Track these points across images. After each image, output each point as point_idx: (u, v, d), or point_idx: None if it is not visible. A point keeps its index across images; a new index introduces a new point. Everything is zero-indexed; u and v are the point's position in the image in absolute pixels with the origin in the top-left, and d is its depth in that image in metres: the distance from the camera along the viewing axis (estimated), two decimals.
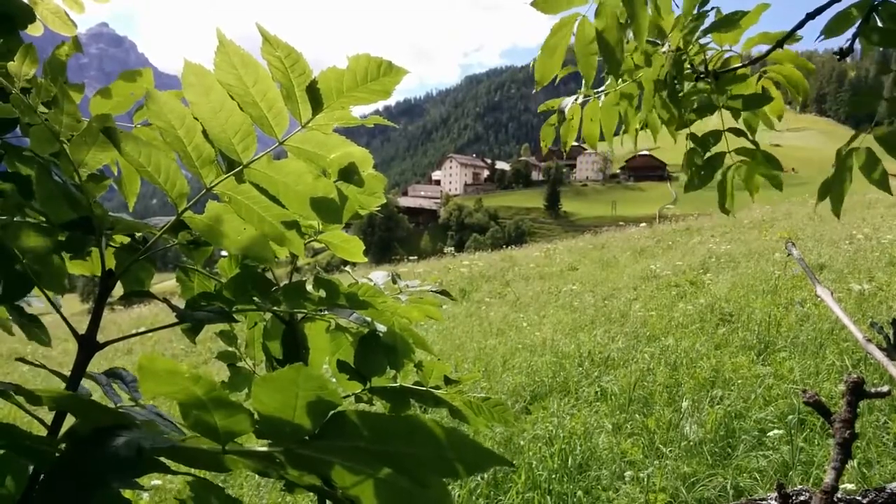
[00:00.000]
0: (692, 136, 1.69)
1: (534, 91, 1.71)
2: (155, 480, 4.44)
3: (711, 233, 16.20)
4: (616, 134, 1.84)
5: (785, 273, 8.66)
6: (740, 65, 1.63)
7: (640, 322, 7.77)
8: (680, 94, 1.62)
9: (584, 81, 1.65)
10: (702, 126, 1.69)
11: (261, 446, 0.55)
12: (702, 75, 1.64)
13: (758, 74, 1.69)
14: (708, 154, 1.66)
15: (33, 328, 0.97)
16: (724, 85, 1.62)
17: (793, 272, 8.55)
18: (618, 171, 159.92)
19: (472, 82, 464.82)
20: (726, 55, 1.66)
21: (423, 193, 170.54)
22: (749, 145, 1.63)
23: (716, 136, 1.65)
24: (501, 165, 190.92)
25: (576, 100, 1.78)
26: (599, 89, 1.76)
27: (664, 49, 1.59)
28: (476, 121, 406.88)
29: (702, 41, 1.61)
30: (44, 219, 0.88)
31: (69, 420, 0.62)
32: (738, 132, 1.65)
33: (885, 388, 1.00)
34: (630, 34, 1.43)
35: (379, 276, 1.20)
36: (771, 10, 1.63)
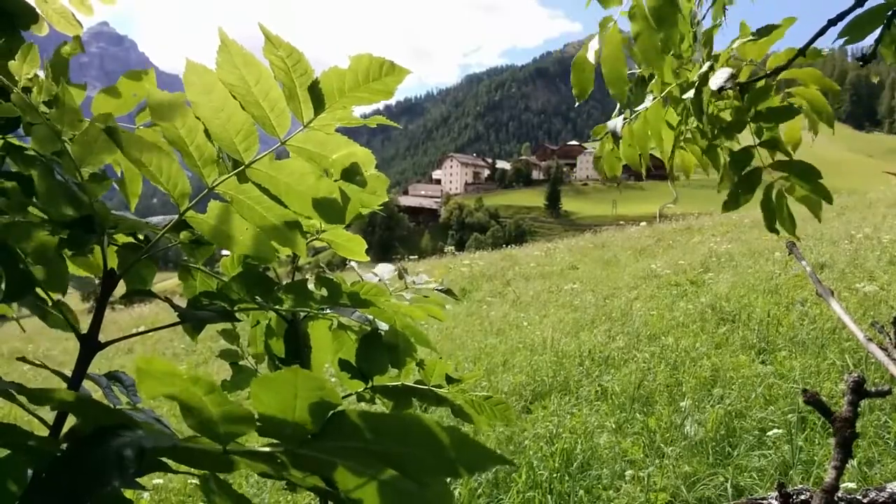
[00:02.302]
0: (730, 152, 1.61)
1: (576, 104, 1.65)
2: (157, 479, 4.45)
3: (712, 232, 16.19)
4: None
5: (786, 272, 8.66)
6: (763, 75, 1.56)
7: (640, 321, 7.77)
8: (708, 112, 1.56)
9: (613, 94, 1.59)
10: (730, 145, 1.63)
11: (262, 446, 0.55)
12: (724, 88, 1.61)
13: (782, 95, 1.62)
14: (746, 170, 1.57)
15: (52, 314, 0.96)
16: (751, 102, 1.55)
17: (793, 271, 8.55)
18: None
19: (473, 81, 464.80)
20: (752, 69, 1.62)
21: (423, 192, 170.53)
22: (784, 157, 1.56)
23: (747, 153, 1.56)
24: (502, 164, 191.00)
25: (625, 119, 1.69)
26: (644, 106, 1.68)
27: (704, 66, 1.55)
28: (476, 120, 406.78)
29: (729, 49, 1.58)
30: (46, 218, 0.88)
31: (71, 420, 0.62)
32: (772, 145, 1.57)
33: (886, 388, 1.00)
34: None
35: (385, 270, 1.19)
36: (795, 25, 1.58)
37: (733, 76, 1.49)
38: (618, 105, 1.68)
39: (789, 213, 1.58)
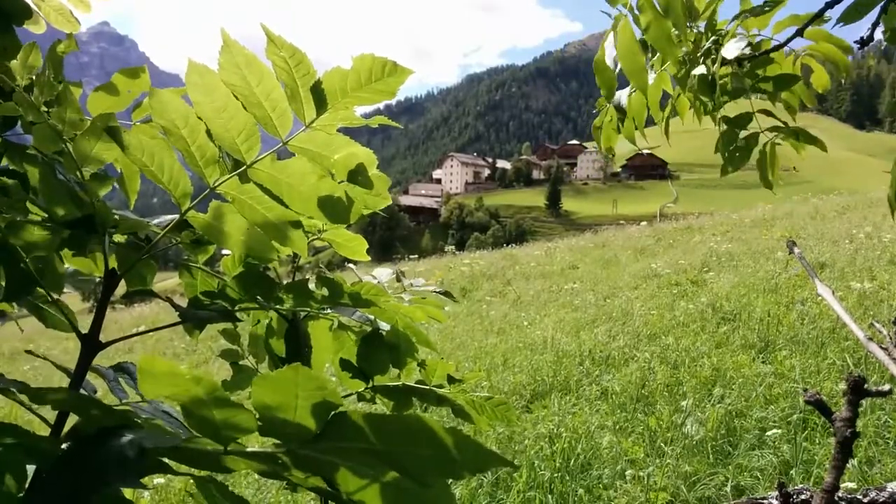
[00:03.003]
0: (725, 118, 1.67)
1: (597, 99, 1.69)
2: (158, 479, 4.45)
3: (712, 231, 16.18)
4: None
5: (786, 272, 8.66)
6: (772, 48, 1.61)
7: (640, 321, 7.77)
8: (710, 79, 1.60)
9: (631, 84, 1.62)
10: (728, 111, 1.68)
11: (263, 447, 0.55)
12: (726, 60, 1.64)
13: (794, 55, 1.68)
14: (743, 134, 1.64)
15: (51, 314, 0.96)
16: (753, 68, 1.60)
17: (794, 271, 8.55)
18: (618, 169, 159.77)
19: (473, 81, 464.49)
20: (757, 39, 1.66)
21: (424, 192, 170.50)
22: (780, 123, 1.63)
23: (745, 118, 1.63)
24: (502, 164, 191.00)
25: (631, 90, 1.74)
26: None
27: (696, 34, 1.58)
28: (477, 119, 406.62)
29: (728, 27, 1.61)
30: (47, 217, 0.88)
31: (72, 419, 0.62)
32: (767, 113, 1.64)
33: (887, 387, 1.00)
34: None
35: (383, 273, 1.20)
36: None
37: (750, 44, 1.54)
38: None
39: (774, 165, 1.70)
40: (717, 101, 1.63)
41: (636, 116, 1.75)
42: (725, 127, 1.66)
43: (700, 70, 1.58)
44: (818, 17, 1.48)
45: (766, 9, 1.53)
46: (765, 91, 1.62)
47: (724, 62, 1.58)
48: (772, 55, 1.60)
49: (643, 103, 1.72)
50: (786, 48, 1.62)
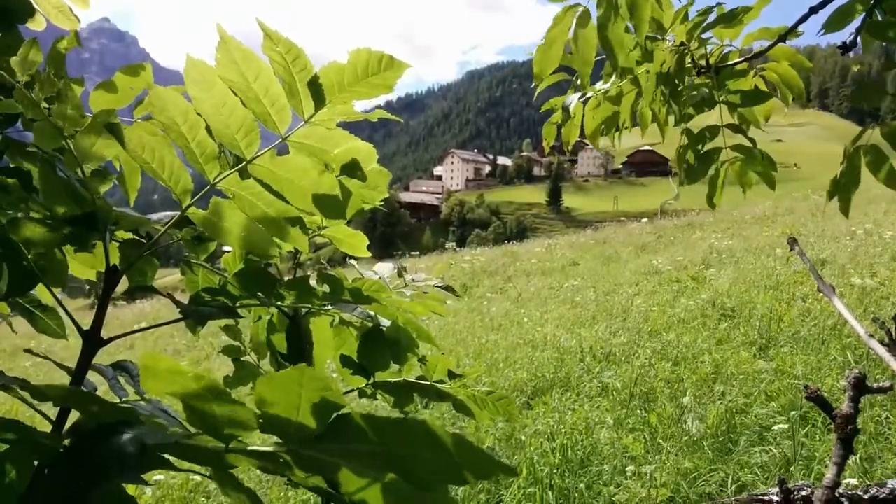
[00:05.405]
0: (688, 132, 1.68)
1: (532, 86, 1.70)
2: (158, 476, 4.46)
3: (713, 228, 16.18)
4: (618, 130, 1.83)
5: (787, 268, 8.65)
6: (740, 59, 1.61)
7: (641, 317, 7.78)
8: (679, 89, 1.60)
9: (577, 78, 1.64)
10: (698, 121, 1.68)
11: (265, 446, 0.55)
12: (702, 70, 1.63)
13: (753, 71, 1.68)
14: (704, 149, 1.65)
15: (42, 319, 0.96)
16: (723, 80, 1.61)
17: (794, 268, 8.54)
18: (619, 166, 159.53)
19: (474, 77, 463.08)
20: (726, 50, 1.65)
21: (424, 189, 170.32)
22: (746, 142, 1.62)
23: (713, 131, 1.64)
24: (503, 161, 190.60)
25: (581, 97, 1.76)
26: (604, 86, 1.74)
27: (669, 44, 1.58)
28: (477, 116, 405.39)
29: (703, 36, 1.60)
30: (48, 214, 0.88)
31: (73, 416, 0.62)
32: (736, 129, 1.64)
33: (887, 384, 1.00)
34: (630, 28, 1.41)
35: (385, 268, 1.20)
36: (770, 4, 1.61)
37: (684, 44, 1.57)
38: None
39: (722, 185, 1.75)
40: (684, 112, 1.64)
41: (603, 115, 1.79)
42: (687, 140, 1.68)
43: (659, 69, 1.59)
44: (798, 26, 1.48)
45: (738, 16, 1.52)
46: (733, 104, 1.63)
47: (699, 72, 1.59)
48: (739, 67, 1.60)
49: (613, 109, 1.75)
50: (751, 61, 1.63)
